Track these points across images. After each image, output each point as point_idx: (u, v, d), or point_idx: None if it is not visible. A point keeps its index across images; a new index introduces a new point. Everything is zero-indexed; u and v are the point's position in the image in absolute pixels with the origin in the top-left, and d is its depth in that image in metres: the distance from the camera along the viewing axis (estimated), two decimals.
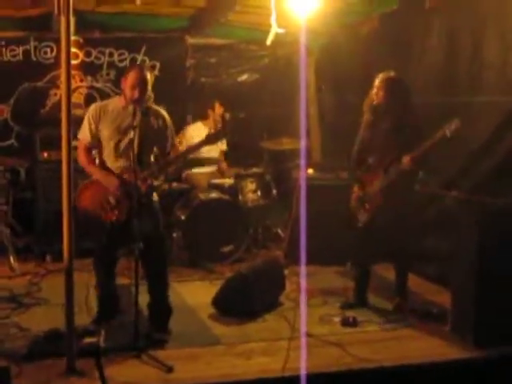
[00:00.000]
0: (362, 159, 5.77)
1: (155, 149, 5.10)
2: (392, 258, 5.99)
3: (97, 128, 5.05)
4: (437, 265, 6.50)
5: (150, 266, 5.14)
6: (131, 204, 4.85)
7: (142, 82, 4.94)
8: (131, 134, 4.79)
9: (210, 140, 5.17)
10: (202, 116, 8.27)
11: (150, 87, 5.03)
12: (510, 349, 4.83)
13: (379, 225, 5.61)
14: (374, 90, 5.58)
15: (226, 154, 8.33)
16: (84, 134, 5.10)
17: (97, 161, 5.16)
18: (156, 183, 5.18)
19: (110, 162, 5.07)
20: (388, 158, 5.51)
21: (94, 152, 5.22)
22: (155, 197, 5.24)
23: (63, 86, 4.39)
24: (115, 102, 5.15)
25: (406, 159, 5.35)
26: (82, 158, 5.12)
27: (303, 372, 4.29)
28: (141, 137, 4.91)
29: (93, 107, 5.15)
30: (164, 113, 5.23)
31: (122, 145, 5.00)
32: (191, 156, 7.68)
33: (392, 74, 5.57)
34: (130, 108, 4.88)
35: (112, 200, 5.00)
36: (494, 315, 4.92)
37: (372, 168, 5.68)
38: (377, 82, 5.57)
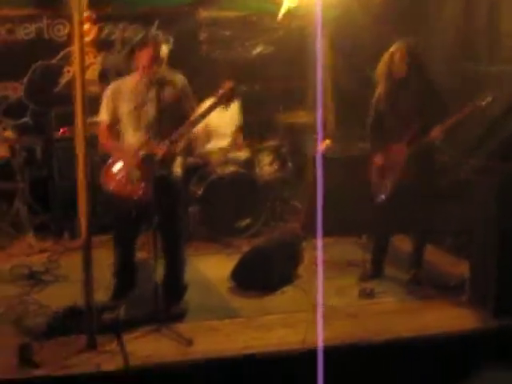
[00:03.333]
0: (378, 129, 5.72)
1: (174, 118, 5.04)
2: (410, 230, 5.98)
3: (115, 106, 5.06)
4: (454, 236, 6.47)
5: (166, 241, 5.14)
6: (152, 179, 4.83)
7: (156, 60, 4.90)
8: (147, 108, 4.78)
9: (222, 100, 5.02)
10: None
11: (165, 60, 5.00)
12: None
13: (400, 196, 5.57)
14: (391, 60, 5.49)
15: (241, 129, 8.29)
16: (102, 115, 5.11)
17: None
18: (178, 150, 5.09)
19: (130, 137, 5.06)
20: (411, 128, 5.47)
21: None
22: (177, 170, 5.22)
23: (77, 62, 4.40)
24: (130, 79, 5.15)
25: (436, 131, 5.31)
26: (103, 139, 5.14)
27: (321, 344, 4.30)
28: (158, 109, 4.86)
29: (109, 87, 5.17)
30: (179, 76, 5.17)
31: (140, 119, 4.99)
32: (208, 132, 7.75)
33: (407, 41, 5.49)
34: (145, 81, 4.89)
35: (136, 173, 4.97)
36: None
37: (394, 138, 5.60)
38: (394, 52, 5.48)
